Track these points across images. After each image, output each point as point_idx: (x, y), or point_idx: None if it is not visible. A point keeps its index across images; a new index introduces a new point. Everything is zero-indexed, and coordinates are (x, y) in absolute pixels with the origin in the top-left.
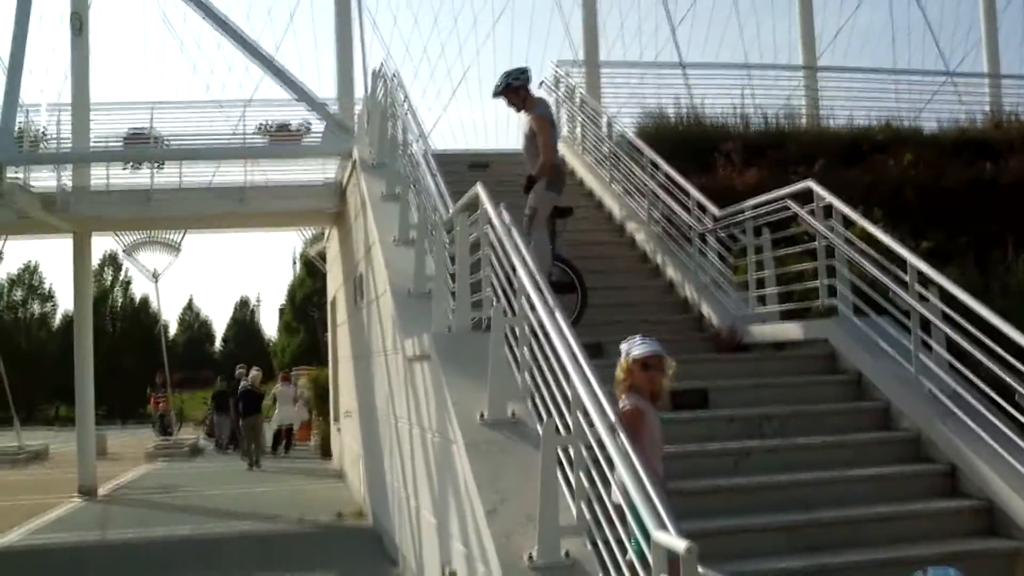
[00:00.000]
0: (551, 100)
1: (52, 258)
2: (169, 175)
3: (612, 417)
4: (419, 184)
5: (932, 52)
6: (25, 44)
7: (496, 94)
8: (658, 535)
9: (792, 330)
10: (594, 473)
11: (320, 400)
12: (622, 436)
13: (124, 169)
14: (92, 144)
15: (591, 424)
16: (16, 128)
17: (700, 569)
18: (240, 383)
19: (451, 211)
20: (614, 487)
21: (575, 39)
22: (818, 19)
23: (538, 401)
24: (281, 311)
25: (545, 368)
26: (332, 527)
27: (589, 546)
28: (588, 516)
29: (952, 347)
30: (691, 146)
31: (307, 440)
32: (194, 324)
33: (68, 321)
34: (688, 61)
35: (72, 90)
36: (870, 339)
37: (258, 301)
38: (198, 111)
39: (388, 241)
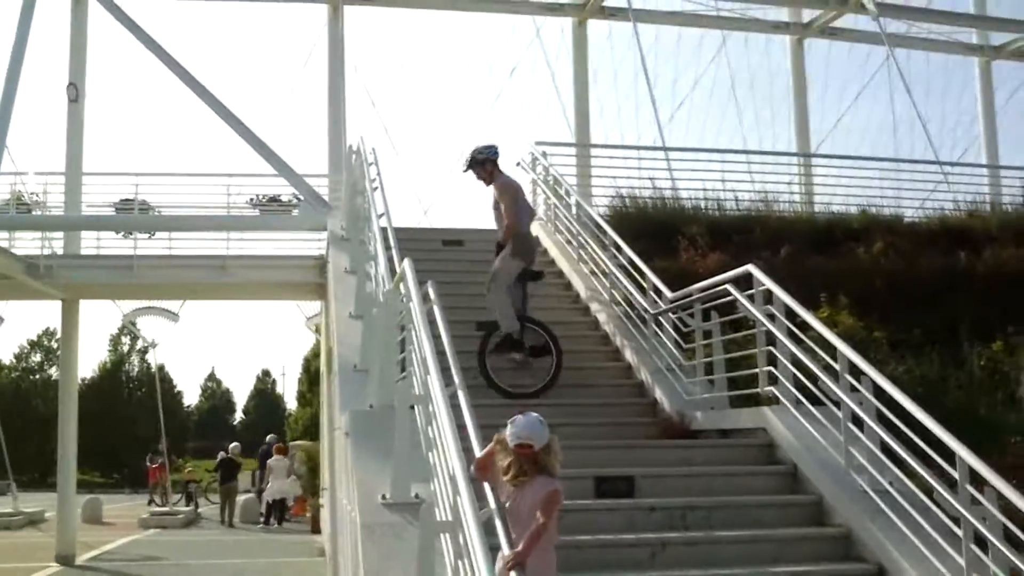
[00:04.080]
0: (527, 180)
1: None
2: (161, 244)
3: (492, 505)
4: (376, 259)
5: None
6: (11, 109)
7: (465, 169)
8: None
9: (735, 418)
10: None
11: (313, 474)
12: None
13: (118, 237)
14: (84, 210)
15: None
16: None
17: None
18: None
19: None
20: None
21: (571, 122)
22: (817, 114)
23: (436, 483)
24: (299, 382)
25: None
26: None
27: None
28: None
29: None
30: (659, 229)
31: (303, 514)
32: (216, 393)
33: (87, 385)
34: (680, 146)
35: (66, 157)
36: (807, 430)
37: (283, 372)
38: (189, 182)
39: (344, 315)
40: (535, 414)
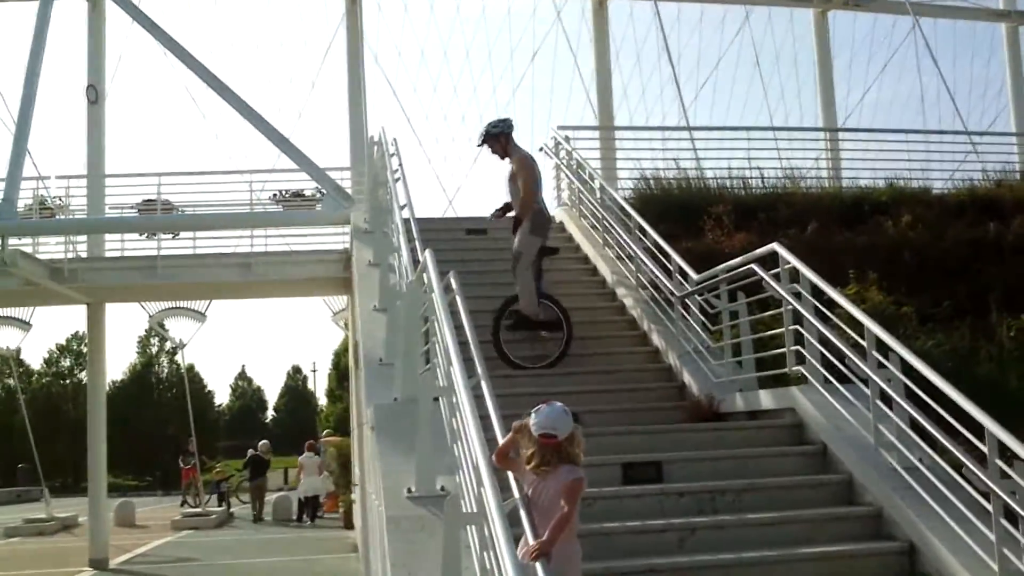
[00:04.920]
0: (551, 164)
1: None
2: (184, 244)
3: (516, 495)
4: (399, 251)
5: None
6: (31, 112)
7: (479, 143)
8: None
9: (763, 399)
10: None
11: (344, 469)
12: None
13: (141, 238)
14: (107, 212)
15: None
16: (23, 196)
17: None
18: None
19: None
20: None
21: (594, 104)
22: (843, 88)
23: (460, 475)
24: (329, 378)
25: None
26: None
27: None
28: None
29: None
30: (684, 209)
31: (335, 510)
32: (247, 392)
33: (118, 387)
34: (709, 125)
35: (87, 159)
36: (835, 409)
37: (313, 369)
38: (211, 180)
39: (368, 308)
40: (559, 404)
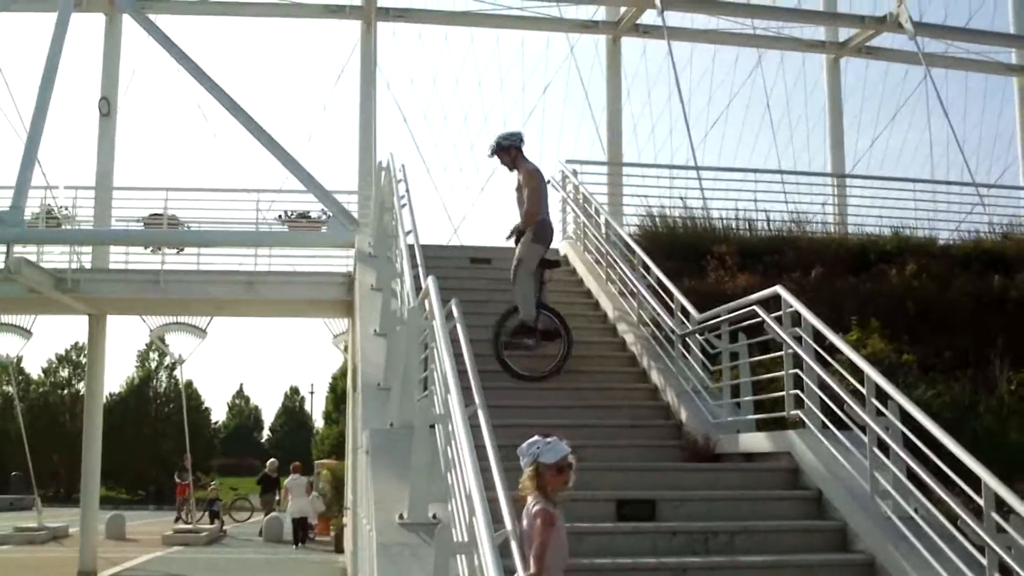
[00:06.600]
0: (557, 198)
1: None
2: (188, 259)
3: (508, 525)
4: (402, 277)
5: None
6: (43, 123)
7: (491, 154)
8: None
9: (760, 442)
10: None
11: (337, 493)
12: (530, 543)
13: (146, 251)
14: (114, 224)
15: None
16: (31, 205)
17: None
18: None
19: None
20: None
21: (604, 140)
22: (852, 134)
23: (453, 504)
24: (326, 401)
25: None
26: None
27: None
28: None
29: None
30: (689, 249)
31: (327, 533)
32: (244, 411)
33: (115, 400)
34: (717, 165)
35: (96, 170)
36: (832, 454)
37: (311, 391)
38: (218, 197)
39: (369, 333)
40: (537, 438)
